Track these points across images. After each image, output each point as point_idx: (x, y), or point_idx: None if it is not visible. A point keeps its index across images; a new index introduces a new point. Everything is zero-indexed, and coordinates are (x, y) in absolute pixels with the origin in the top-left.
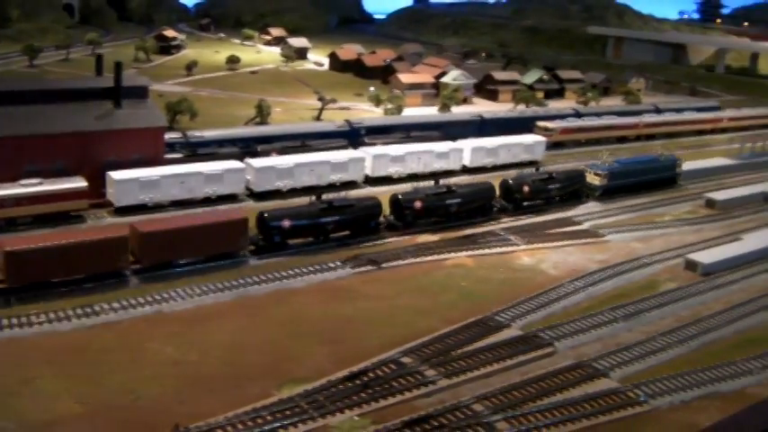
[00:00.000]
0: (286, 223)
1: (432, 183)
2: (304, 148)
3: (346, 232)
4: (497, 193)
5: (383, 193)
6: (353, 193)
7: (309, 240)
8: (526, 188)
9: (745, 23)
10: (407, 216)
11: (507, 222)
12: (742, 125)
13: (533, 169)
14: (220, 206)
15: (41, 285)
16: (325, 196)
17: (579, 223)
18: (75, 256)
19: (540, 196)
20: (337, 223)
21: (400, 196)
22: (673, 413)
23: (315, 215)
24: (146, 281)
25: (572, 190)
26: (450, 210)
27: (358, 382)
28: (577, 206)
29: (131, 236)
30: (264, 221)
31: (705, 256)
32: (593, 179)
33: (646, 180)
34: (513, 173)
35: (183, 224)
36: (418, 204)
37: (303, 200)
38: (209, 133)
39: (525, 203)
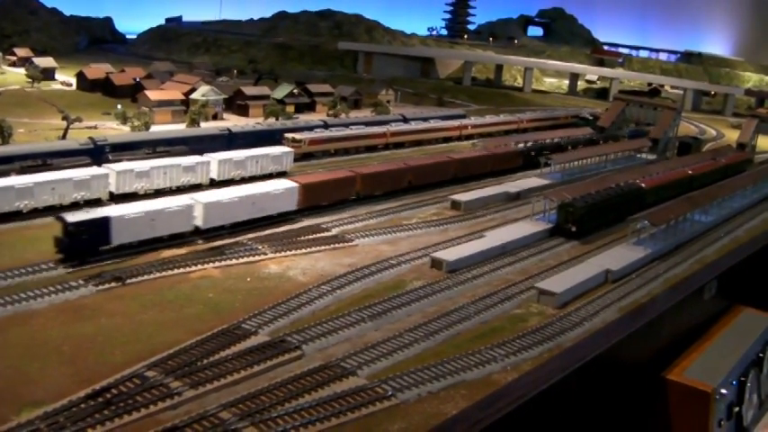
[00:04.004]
0: None
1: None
2: (45, 167)
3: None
4: None
5: None
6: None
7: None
8: None
9: (491, 38)
10: (533, 158)
11: (254, 233)
12: (485, 131)
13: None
14: None
15: None
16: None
17: (328, 230)
18: None
19: None
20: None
21: (524, 149)
22: (420, 404)
23: None
24: None
25: None
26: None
27: (101, 399)
28: (326, 214)
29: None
30: None
31: (449, 254)
32: None
33: None
34: None
35: (477, 154)
36: (533, 153)
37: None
38: None
39: None
